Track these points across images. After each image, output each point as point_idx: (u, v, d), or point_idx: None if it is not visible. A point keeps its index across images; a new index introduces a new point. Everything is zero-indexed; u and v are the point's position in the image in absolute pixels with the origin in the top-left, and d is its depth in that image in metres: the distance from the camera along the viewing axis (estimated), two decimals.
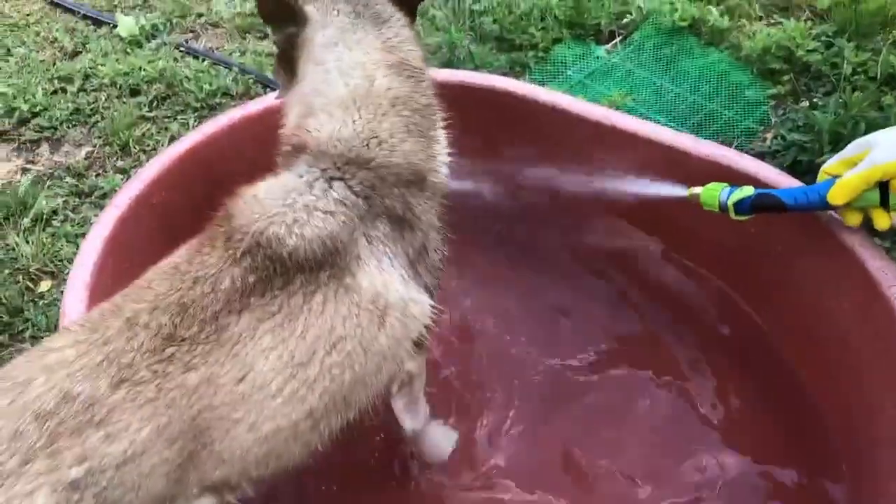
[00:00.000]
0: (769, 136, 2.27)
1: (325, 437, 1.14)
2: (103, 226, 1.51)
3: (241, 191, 1.14)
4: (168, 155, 1.66)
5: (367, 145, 1.14)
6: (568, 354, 1.74)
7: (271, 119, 1.76)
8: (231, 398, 1.00)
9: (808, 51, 2.42)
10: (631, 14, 2.71)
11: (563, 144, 1.75)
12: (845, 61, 2.33)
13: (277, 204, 1.10)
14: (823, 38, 2.47)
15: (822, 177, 1.39)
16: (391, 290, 1.12)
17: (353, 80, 1.17)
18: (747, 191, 1.42)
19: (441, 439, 1.52)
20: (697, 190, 1.48)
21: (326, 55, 1.19)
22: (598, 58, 2.63)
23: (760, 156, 2.13)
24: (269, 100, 1.79)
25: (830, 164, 1.37)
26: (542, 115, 1.78)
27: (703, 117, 2.39)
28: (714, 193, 1.45)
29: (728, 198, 1.43)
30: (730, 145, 2.23)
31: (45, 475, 0.88)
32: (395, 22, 1.24)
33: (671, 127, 2.27)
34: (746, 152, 2.12)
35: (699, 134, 2.31)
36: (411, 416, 1.43)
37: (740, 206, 1.42)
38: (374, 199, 1.13)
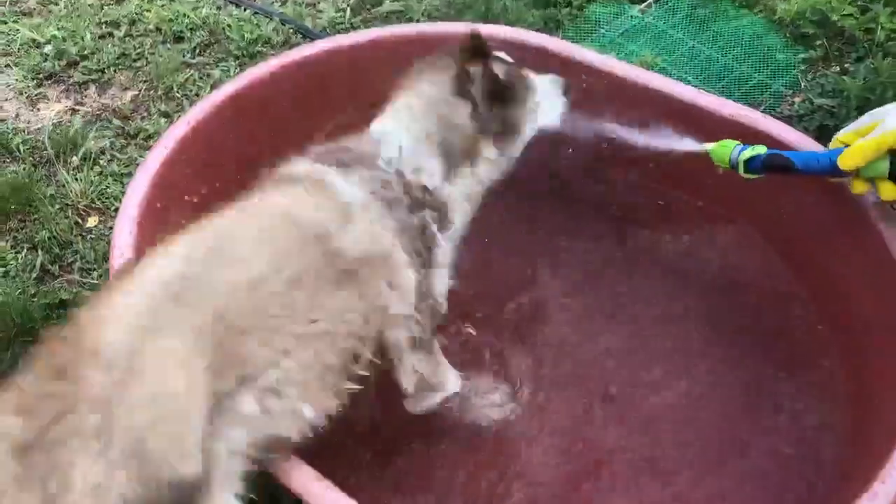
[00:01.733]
0: (797, 99, 2.28)
1: None
2: (151, 164, 1.61)
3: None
4: (211, 100, 1.75)
5: None
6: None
7: (308, 69, 1.85)
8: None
9: (843, 15, 2.41)
10: None
11: (585, 97, 1.77)
12: (880, 27, 2.33)
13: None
14: (859, 3, 2.45)
15: (834, 144, 1.39)
16: None
17: None
18: (759, 149, 1.42)
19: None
20: (710, 146, 1.48)
21: None
22: (631, 17, 2.64)
23: (787, 119, 2.16)
24: (306, 50, 1.86)
25: (844, 133, 1.38)
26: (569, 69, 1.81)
27: (734, 79, 2.41)
28: (725, 150, 1.45)
29: (739, 155, 1.43)
30: (758, 108, 2.25)
31: None
32: None
33: (701, 87, 2.31)
34: (774, 115, 2.15)
35: (728, 96, 2.33)
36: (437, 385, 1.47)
37: (751, 164, 1.42)
38: None
